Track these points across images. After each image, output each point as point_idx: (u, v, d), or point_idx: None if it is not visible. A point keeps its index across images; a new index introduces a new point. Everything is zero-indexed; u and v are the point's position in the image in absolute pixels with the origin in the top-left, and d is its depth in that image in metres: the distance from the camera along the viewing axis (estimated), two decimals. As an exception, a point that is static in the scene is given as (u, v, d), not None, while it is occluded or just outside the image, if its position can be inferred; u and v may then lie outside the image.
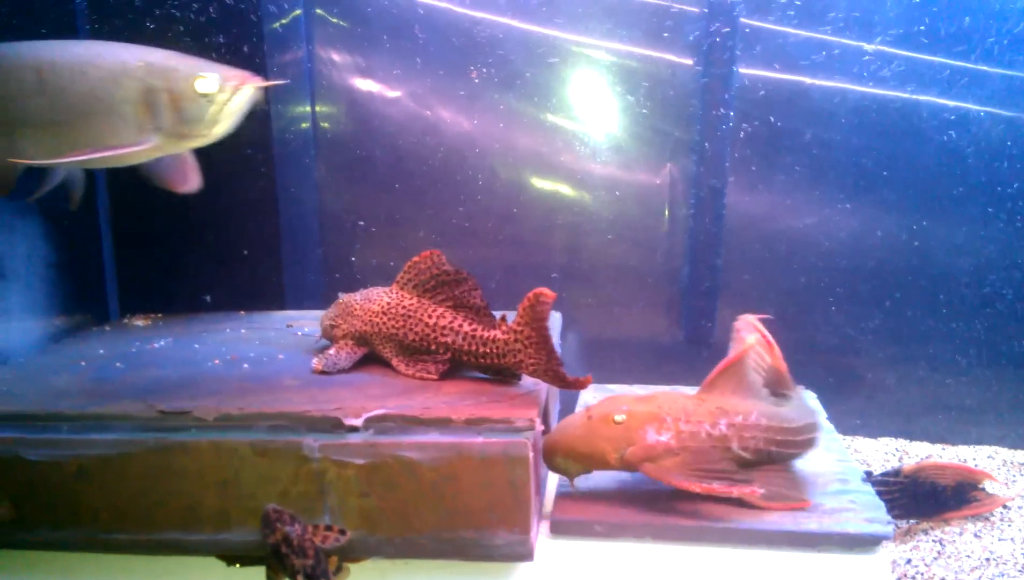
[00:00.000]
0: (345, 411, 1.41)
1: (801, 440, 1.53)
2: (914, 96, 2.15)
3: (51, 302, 2.02)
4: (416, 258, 1.62)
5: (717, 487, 1.39)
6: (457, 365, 1.60)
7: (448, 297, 1.60)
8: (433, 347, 1.58)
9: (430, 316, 1.58)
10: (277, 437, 1.38)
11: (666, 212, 2.31)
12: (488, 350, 1.52)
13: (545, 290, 1.43)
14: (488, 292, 1.61)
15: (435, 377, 1.58)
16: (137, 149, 1.63)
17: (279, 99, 2.17)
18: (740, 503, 1.44)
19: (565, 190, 2.35)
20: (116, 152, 1.63)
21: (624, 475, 1.56)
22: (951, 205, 2.19)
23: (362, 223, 2.39)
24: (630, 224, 2.33)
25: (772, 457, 1.50)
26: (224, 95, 1.62)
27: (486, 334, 1.53)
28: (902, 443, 2.26)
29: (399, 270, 1.63)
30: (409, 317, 1.59)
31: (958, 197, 2.18)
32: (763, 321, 1.69)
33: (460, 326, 1.55)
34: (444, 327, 1.56)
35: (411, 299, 1.61)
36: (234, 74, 1.64)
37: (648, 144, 2.29)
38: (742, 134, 2.22)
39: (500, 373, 1.57)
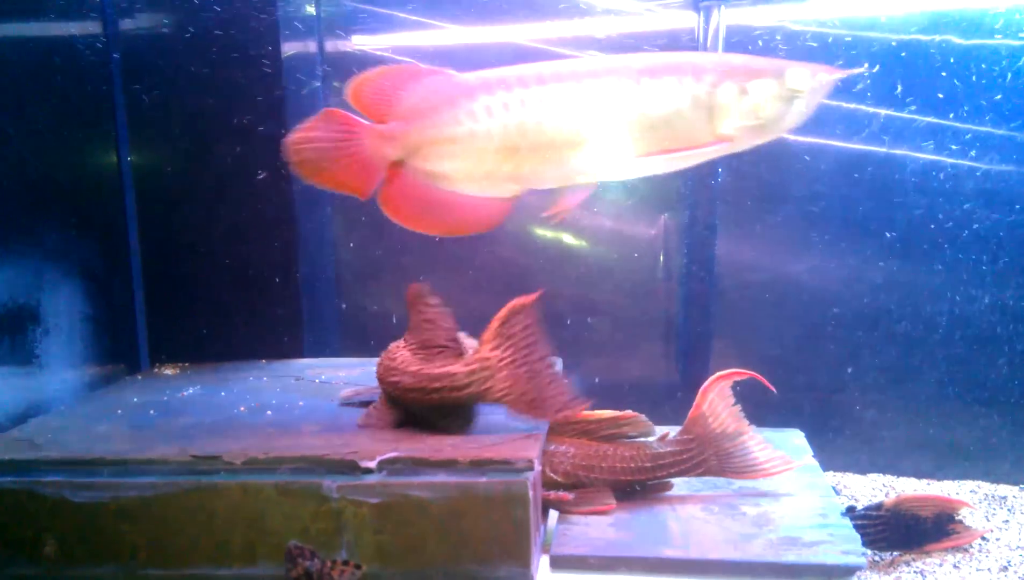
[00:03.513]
0: (360, 454, 1.54)
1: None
2: (893, 150, 2.28)
3: (88, 353, 2.16)
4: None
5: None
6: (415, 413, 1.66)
7: (416, 340, 1.68)
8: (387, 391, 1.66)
9: (391, 360, 1.67)
10: (299, 479, 1.50)
11: (661, 261, 2.45)
12: (441, 385, 1.56)
13: (518, 301, 1.48)
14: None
15: (376, 424, 1.65)
16: (712, 150, 1.64)
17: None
18: (724, 538, 1.58)
19: (568, 242, 2.49)
20: (692, 152, 1.63)
21: (620, 513, 1.71)
22: (934, 251, 2.31)
23: (376, 274, 2.54)
24: (628, 272, 2.46)
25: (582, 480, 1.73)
26: (812, 89, 1.61)
27: (434, 370, 1.56)
28: (889, 479, 2.36)
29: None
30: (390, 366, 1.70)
31: (940, 243, 2.30)
32: (736, 378, 1.82)
33: (407, 366, 1.60)
34: (394, 369, 1.64)
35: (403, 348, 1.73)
36: (816, 68, 1.62)
37: (643, 197, 2.43)
38: (731, 187, 2.36)
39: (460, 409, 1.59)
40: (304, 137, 1.65)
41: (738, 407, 1.80)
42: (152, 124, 2.30)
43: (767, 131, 1.64)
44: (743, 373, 1.81)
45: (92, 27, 2.23)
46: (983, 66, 2.18)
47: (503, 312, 1.54)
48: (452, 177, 1.67)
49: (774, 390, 1.81)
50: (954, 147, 2.23)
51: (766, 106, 1.60)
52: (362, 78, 1.66)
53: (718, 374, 1.80)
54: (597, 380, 2.50)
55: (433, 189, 1.69)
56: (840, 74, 1.65)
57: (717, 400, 1.79)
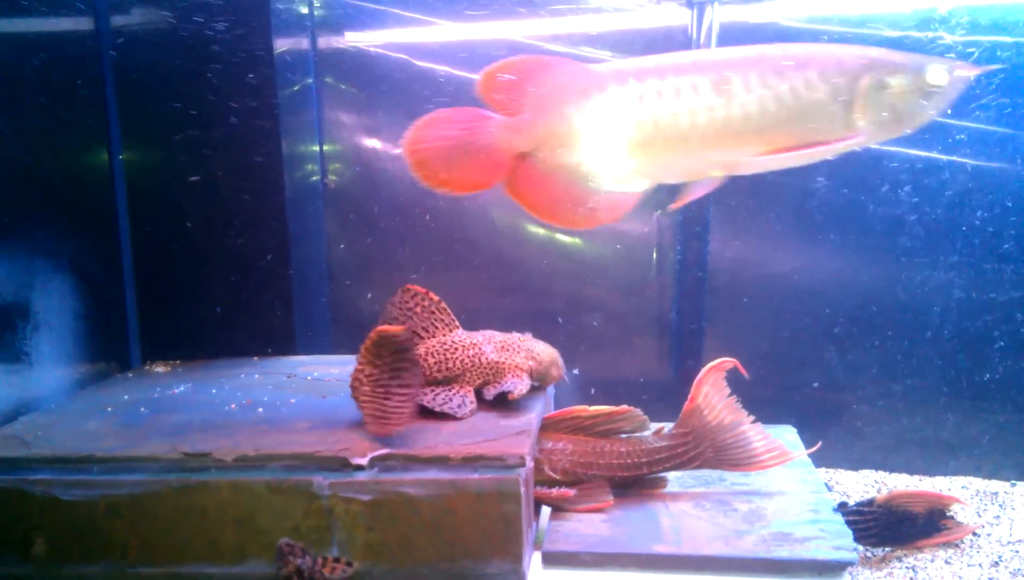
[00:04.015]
0: (352, 451, 1.53)
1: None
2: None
3: (79, 351, 2.15)
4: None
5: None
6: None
7: None
8: None
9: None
10: (290, 476, 1.50)
11: (654, 257, 2.45)
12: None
13: (387, 330, 1.54)
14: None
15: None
16: (845, 144, 1.61)
17: (292, 156, 2.33)
18: (716, 534, 1.58)
19: (561, 239, 2.49)
20: (824, 148, 1.61)
21: (613, 510, 1.71)
22: (927, 248, 2.31)
23: (369, 272, 2.54)
24: (622, 270, 2.46)
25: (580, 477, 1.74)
26: (950, 85, 1.58)
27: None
28: (882, 475, 2.36)
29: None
30: None
31: (933, 240, 2.30)
32: (728, 367, 1.82)
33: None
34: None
35: None
36: (955, 64, 1.59)
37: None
38: (724, 183, 2.36)
39: None
40: (423, 135, 1.64)
41: (734, 398, 1.79)
42: (144, 120, 2.29)
43: (901, 126, 1.62)
44: (734, 362, 1.80)
45: (83, 23, 2.22)
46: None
47: (373, 335, 1.58)
48: (580, 170, 1.66)
49: (747, 375, 1.80)
50: (948, 141, 2.24)
51: (904, 101, 1.57)
52: (491, 69, 1.65)
53: (710, 365, 1.79)
54: (591, 376, 2.50)
55: (560, 181, 1.68)
56: (977, 71, 1.63)
57: (712, 392, 1.79)
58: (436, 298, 1.85)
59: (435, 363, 1.77)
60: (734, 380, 1.82)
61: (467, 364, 1.78)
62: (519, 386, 1.76)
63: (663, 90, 1.59)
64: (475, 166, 1.66)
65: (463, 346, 1.80)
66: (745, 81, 1.58)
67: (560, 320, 2.49)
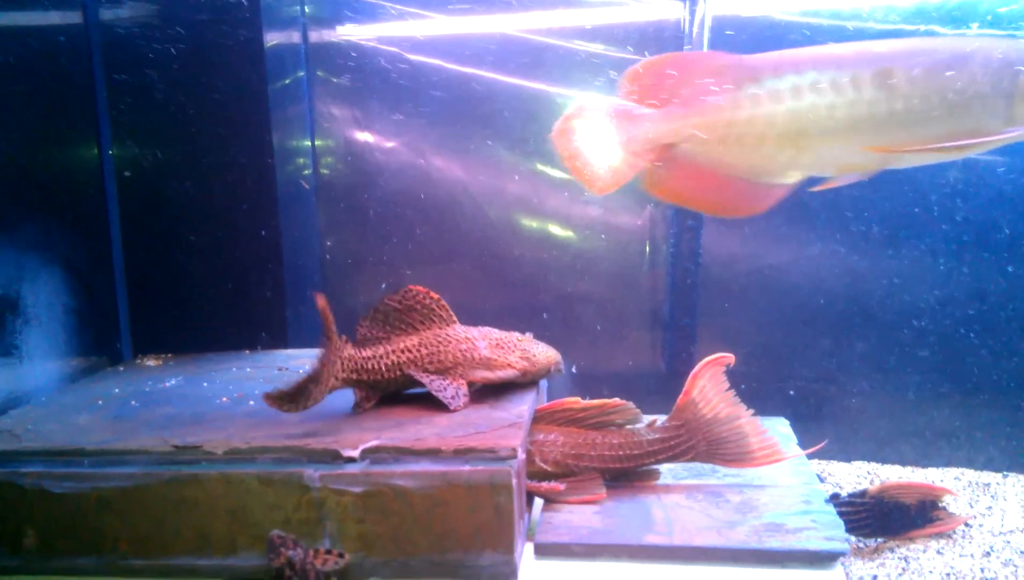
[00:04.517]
0: (342, 443, 1.53)
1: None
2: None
3: (69, 344, 2.15)
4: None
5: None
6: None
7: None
8: None
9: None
10: (280, 468, 1.50)
11: (647, 251, 2.45)
12: None
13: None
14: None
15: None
16: (1003, 137, 1.59)
17: (283, 150, 2.32)
18: (708, 525, 1.58)
19: (554, 233, 2.49)
20: (988, 140, 1.59)
21: (605, 501, 1.71)
22: (918, 241, 2.32)
23: (360, 266, 2.54)
24: (615, 264, 2.46)
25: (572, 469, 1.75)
26: None
27: None
28: (874, 466, 2.37)
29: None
30: None
31: (924, 234, 2.31)
32: (726, 362, 1.81)
33: None
34: None
35: None
36: None
37: (629, 189, 2.43)
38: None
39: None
40: (572, 125, 1.68)
41: (732, 392, 1.78)
42: (134, 115, 2.28)
43: None
44: (731, 358, 1.80)
45: (72, 17, 2.21)
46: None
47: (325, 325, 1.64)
48: (728, 162, 1.66)
49: (732, 361, 1.80)
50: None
51: None
52: (645, 63, 1.68)
53: (707, 359, 1.79)
54: (584, 369, 2.50)
55: (707, 172, 1.69)
56: None
57: (709, 386, 1.78)
58: (436, 296, 1.84)
59: (427, 354, 1.77)
60: (728, 372, 1.82)
61: (459, 358, 1.78)
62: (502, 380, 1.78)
63: (822, 83, 1.58)
64: (619, 156, 1.69)
65: (457, 340, 1.79)
66: (908, 74, 1.56)
67: (545, 315, 2.49)
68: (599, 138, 1.70)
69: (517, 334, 1.89)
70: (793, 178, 1.69)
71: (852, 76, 1.58)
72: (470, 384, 1.79)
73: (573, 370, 2.48)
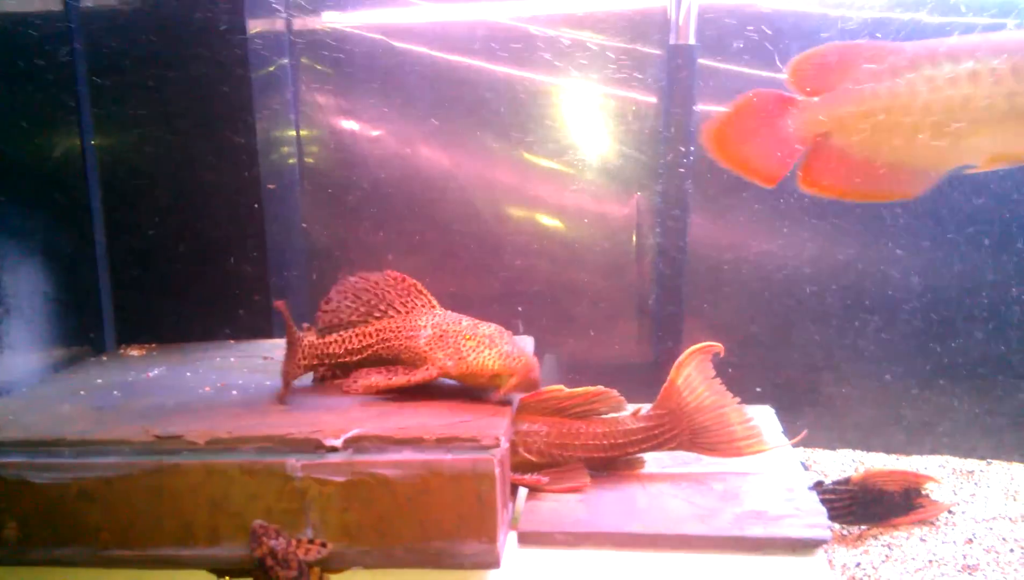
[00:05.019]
0: (325, 433, 1.52)
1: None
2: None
3: (52, 335, 2.13)
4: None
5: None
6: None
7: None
8: None
9: None
10: (263, 458, 1.49)
11: (634, 240, 2.45)
12: None
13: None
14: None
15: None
16: None
17: (267, 138, 2.31)
18: (691, 513, 1.59)
19: (541, 220, 2.48)
20: None
21: (589, 490, 1.71)
22: (905, 230, 2.32)
23: (344, 254, 2.53)
24: (601, 252, 2.46)
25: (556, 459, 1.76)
26: None
27: None
28: (859, 454, 2.38)
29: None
30: None
31: (910, 222, 2.31)
32: (713, 351, 1.81)
33: None
34: None
35: None
36: None
37: (616, 177, 2.43)
38: (703, 165, 2.36)
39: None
40: (725, 116, 1.73)
41: (718, 381, 1.78)
42: (116, 103, 2.26)
43: None
44: (719, 347, 1.79)
45: (53, 4, 2.19)
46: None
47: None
48: (880, 150, 1.66)
49: (720, 350, 1.80)
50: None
51: None
52: (805, 55, 1.70)
53: (693, 347, 1.78)
54: (570, 358, 2.50)
55: (858, 160, 1.69)
56: None
57: (694, 374, 1.77)
58: (413, 281, 1.85)
59: (382, 341, 1.83)
60: (714, 360, 1.82)
61: (400, 347, 1.80)
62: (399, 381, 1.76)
63: (980, 71, 1.56)
64: (772, 146, 1.71)
65: (404, 329, 1.81)
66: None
67: (532, 303, 2.49)
68: (763, 130, 1.71)
69: (496, 327, 1.77)
70: (947, 167, 1.68)
71: (1012, 65, 1.56)
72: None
73: (532, 341, 2.48)
